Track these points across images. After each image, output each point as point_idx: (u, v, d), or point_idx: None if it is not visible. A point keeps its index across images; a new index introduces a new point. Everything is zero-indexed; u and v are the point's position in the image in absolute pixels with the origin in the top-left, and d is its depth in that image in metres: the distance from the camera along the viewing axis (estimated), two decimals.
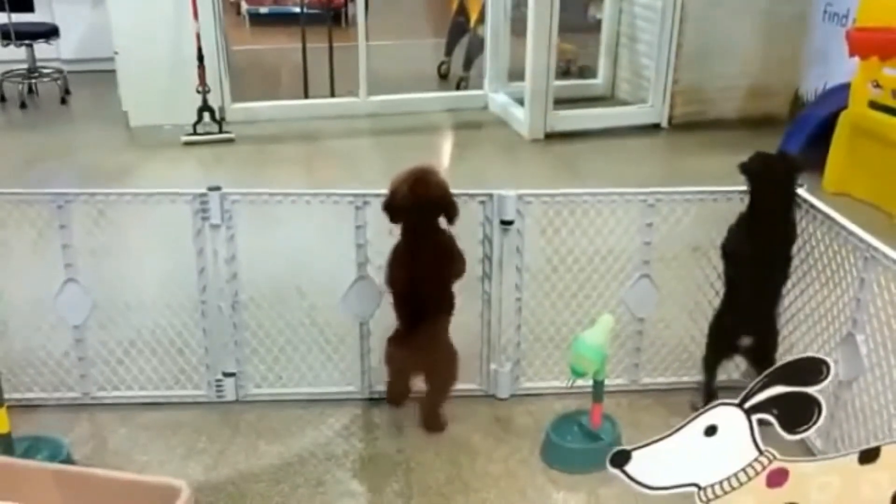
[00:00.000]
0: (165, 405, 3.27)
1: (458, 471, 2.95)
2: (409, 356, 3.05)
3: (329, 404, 3.28)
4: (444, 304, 3.03)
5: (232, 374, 3.27)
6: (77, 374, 3.24)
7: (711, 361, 3.21)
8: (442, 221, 2.95)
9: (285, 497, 2.81)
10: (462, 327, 3.19)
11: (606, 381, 3.01)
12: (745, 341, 3.09)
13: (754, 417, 1.80)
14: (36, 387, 3.25)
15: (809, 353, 1.89)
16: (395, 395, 3.24)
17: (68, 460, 2.87)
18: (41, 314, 3.26)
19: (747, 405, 1.79)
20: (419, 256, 2.94)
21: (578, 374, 2.82)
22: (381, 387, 3.30)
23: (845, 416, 2.84)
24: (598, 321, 2.87)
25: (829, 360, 1.81)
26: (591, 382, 2.94)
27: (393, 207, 2.90)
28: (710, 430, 1.79)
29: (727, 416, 1.79)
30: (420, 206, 2.87)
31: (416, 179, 2.89)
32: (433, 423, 3.14)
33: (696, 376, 3.33)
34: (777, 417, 1.79)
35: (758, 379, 1.80)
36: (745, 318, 3.09)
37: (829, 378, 1.79)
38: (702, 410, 1.80)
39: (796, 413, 1.80)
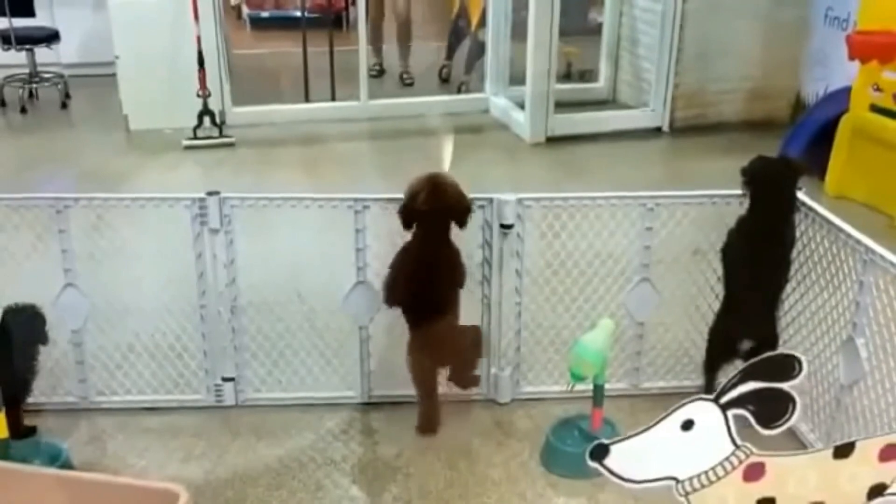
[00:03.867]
0: (164, 410, 3.26)
1: (457, 475, 2.94)
2: (433, 352, 3.05)
3: (328, 409, 3.28)
4: (452, 305, 3.04)
5: (231, 379, 3.27)
6: (76, 378, 3.24)
7: (712, 365, 3.20)
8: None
9: (284, 501, 2.80)
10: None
11: (607, 385, 3.01)
12: (746, 345, 3.08)
13: (730, 413, 1.81)
14: (35, 391, 3.23)
15: (785, 351, 1.91)
16: (432, 415, 3.14)
17: (67, 465, 2.87)
18: None
19: (723, 400, 1.82)
20: (431, 261, 2.94)
21: (578, 377, 2.81)
22: (380, 391, 3.29)
23: (846, 420, 2.83)
24: (599, 325, 2.87)
25: (801, 356, 1.83)
26: (591, 386, 2.93)
27: (411, 211, 2.90)
28: (687, 425, 1.82)
29: (703, 411, 1.82)
30: (439, 210, 2.89)
31: (434, 184, 2.91)
32: (468, 383, 3.20)
33: (696, 380, 3.32)
34: (752, 413, 1.82)
35: (732, 375, 1.82)
36: (746, 321, 3.08)
37: (803, 374, 1.81)
38: (678, 405, 1.82)
39: (771, 408, 1.83)
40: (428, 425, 3.13)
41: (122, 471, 2.91)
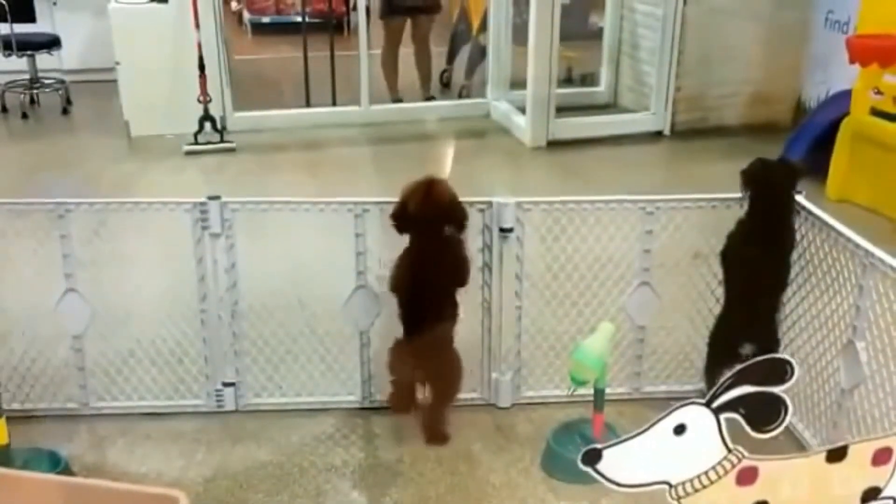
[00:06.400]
0: (165, 415, 3.26)
1: (458, 480, 2.93)
2: (412, 364, 3.04)
3: (329, 414, 3.27)
4: (448, 312, 3.02)
5: (231, 384, 3.27)
6: (76, 383, 3.23)
7: (713, 370, 3.19)
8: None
9: None
10: (462, 336, 3.17)
11: (608, 390, 3.00)
12: (746, 349, 3.07)
13: (722, 416, 1.81)
14: (35, 397, 3.25)
15: (777, 355, 1.91)
16: (400, 402, 3.17)
17: (67, 471, 2.86)
18: (41, 324, 3.25)
19: (715, 404, 1.81)
20: (425, 265, 2.93)
21: (579, 382, 2.80)
22: (381, 396, 3.28)
23: (848, 424, 2.83)
24: (599, 329, 2.86)
25: (793, 360, 1.82)
26: (592, 391, 2.93)
27: (403, 217, 2.90)
28: (680, 429, 1.81)
29: (695, 415, 1.82)
30: (432, 215, 2.88)
31: (428, 189, 2.90)
32: (436, 433, 3.12)
33: (698, 384, 3.32)
34: (744, 417, 1.81)
35: (724, 379, 1.81)
36: (746, 325, 3.08)
37: (794, 378, 1.80)
38: (670, 409, 1.81)
39: (763, 412, 1.82)
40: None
41: (122, 476, 2.90)
